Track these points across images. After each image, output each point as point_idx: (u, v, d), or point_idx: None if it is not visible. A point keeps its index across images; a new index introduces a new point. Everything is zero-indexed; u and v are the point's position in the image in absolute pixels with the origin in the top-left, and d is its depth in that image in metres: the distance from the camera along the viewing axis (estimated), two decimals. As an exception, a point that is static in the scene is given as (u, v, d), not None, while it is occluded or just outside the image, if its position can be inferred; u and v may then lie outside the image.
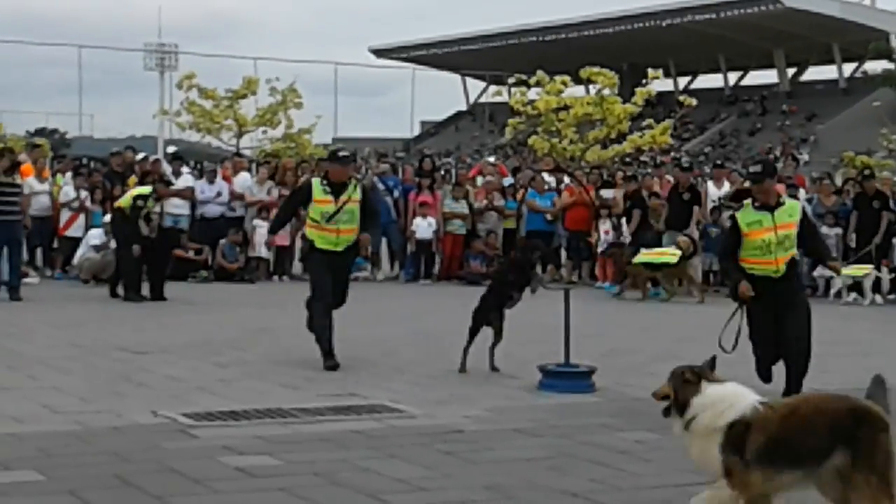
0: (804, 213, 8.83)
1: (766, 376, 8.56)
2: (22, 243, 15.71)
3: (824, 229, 17.42)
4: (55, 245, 18.69)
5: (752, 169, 8.80)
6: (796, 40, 66.42)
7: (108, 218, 17.17)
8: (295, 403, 7.97)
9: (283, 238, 19.12)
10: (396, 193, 20.06)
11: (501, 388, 8.97)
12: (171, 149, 30.53)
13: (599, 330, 12.39)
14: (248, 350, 10.69)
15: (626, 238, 18.73)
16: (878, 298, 17.57)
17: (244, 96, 34.27)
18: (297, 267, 19.79)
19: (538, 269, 10.59)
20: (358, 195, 9.89)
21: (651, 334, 12.90)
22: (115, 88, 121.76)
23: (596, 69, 27.67)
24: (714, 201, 19.03)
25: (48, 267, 18.65)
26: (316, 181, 10.03)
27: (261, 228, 19.04)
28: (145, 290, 15.25)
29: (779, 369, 8.57)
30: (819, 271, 17.55)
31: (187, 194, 18.89)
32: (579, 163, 26.67)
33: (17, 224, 15.05)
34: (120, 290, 15.35)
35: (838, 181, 23.60)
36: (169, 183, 16.70)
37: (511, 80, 29.56)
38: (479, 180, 21.26)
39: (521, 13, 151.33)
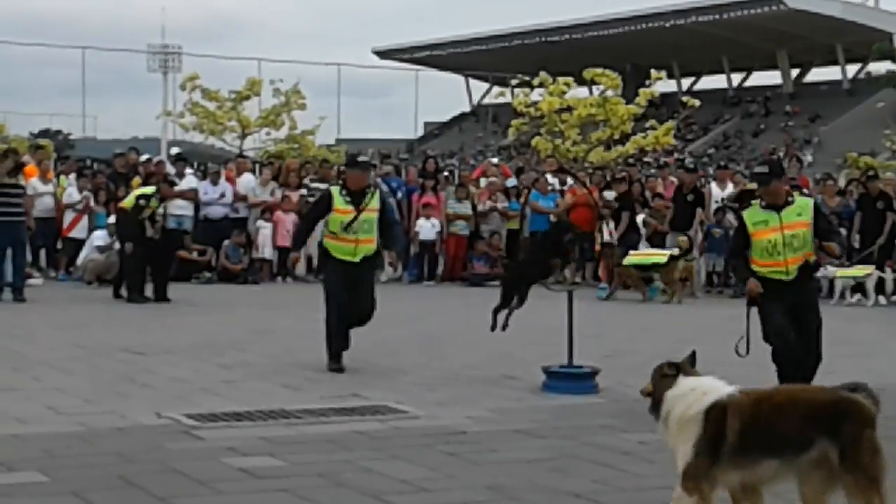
0: (817, 209, 8.38)
1: (791, 371, 8.05)
2: (26, 244, 15.73)
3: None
4: (59, 246, 18.71)
5: (758, 170, 8.58)
6: (799, 41, 66.36)
7: (112, 219, 17.20)
8: (298, 404, 7.98)
9: (286, 239, 19.15)
10: (400, 195, 20.05)
11: (504, 389, 8.97)
12: (174, 150, 30.48)
13: (600, 331, 12.39)
14: (252, 351, 10.70)
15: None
16: (882, 299, 17.56)
17: (247, 98, 34.31)
18: (300, 268, 19.80)
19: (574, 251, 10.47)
20: (376, 204, 9.65)
21: (652, 335, 12.90)
22: (118, 90, 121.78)
23: (599, 70, 27.68)
24: (717, 202, 19.02)
25: (52, 268, 18.67)
26: (335, 190, 9.77)
27: (264, 230, 19.08)
28: (149, 291, 15.27)
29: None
30: (822, 272, 17.53)
31: (191, 196, 18.91)
32: (583, 164, 26.67)
33: (21, 225, 15.08)
34: (123, 292, 15.37)
35: (842, 182, 23.59)
36: (173, 183, 16.72)
37: (514, 82, 29.57)
38: (483, 181, 21.26)
39: (525, 14, 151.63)
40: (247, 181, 20.16)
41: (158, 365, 9.68)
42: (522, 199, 20.12)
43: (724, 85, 74.95)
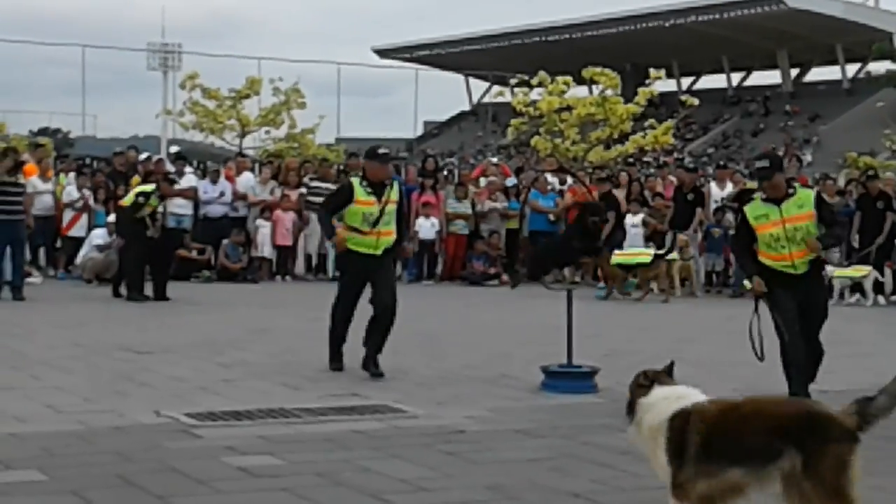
0: (819, 199, 8.24)
1: (798, 368, 8.02)
2: (25, 243, 15.74)
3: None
4: (58, 245, 18.72)
5: (759, 164, 8.34)
6: (799, 41, 66.35)
7: (111, 218, 17.22)
8: (297, 403, 7.98)
9: (285, 238, 19.18)
10: (399, 194, 20.04)
11: (503, 389, 8.98)
12: (174, 149, 30.53)
13: (599, 330, 12.39)
14: (251, 350, 10.70)
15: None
16: (881, 300, 17.57)
17: (247, 96, 34.35)
18: (299, 267, 19.83)
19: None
20: (396, 196, 9.42)
21: (651, 334, 12.90)
22: (118, 88, 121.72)
23: (598, 69, 27.68)
24: (717, 202, 19.03)
25: (51, 267, 18.68)
26: (356, 181, 9.45)
27: (263, 228, 19.09)
28: (148, 289, 15.27)
29: (779, 371, 8.52)
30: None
31: (190, 194, 18.91)
32: (582, 163, 26.68)
33: (21, 224, 15.08)
34: (123, 290, 15.37)
35: (841, 182, 23.60)
36: (173, 182, 16.71)
37: (513, 81, 29.58)
38: (483, 181, 21.27)
39: (525, 13, 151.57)
40: (246, 180, 20.17)
41: (157, 364, 9.68)
42: (522, 199, 20.16)
43: (723, 84, 74.94)
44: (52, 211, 18.21)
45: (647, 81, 28.07)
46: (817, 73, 72.28)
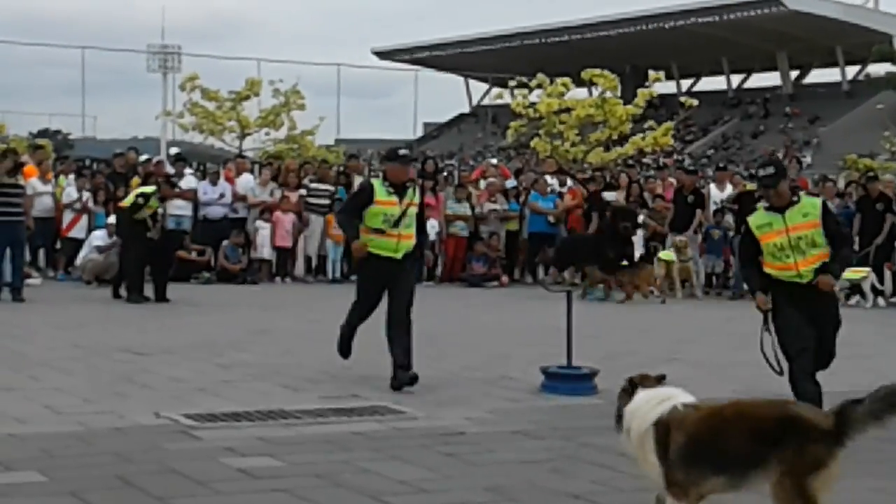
0: (825, 209, 7.88)
1: (808, 385, 7.53)
2: (24, 244, 15.73)
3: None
4: (58, 246, 18.70)
5: (763, 172, 7.81)
6: (799, 43, 66.39)
7: (111, 219, 17.21)
8: (297, 405, 7.98)
9: (285, 239, 19.17)
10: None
11: (503, 390, 8.98)
12: (173, 150, 30.51)
13: (598, 332, 12.39)
14: (251, 351, 10.70)
15: None
16: (881, 301, 17.57)
17: (247, 98, 34.33)
18: (299, 268, 19.82)
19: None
20: (417, 198, 9.30)
21: (650, 336, 12.90)
22: (118, 90, 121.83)
23: (598, 71, 27.68)
24: (716, 204, 19.03)
25: (51, 268, 18.67)
26: (377, 181, 9.30)
27: (263, 230, 19.08)
28: (148, 291, 15.27)
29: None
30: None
31: (190, 196, 18.90)
32: (581, 165, 26.67)
33: (20, 225, 15.07)
34: (122, 292, 15.37)
35: (841, 184, 23.61)
36: (174, 185, 16.69)
37: (513, 83, 29.58)
38: (482, 183, 21.26)
39: (524, 15, 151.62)
40: (246, 181, 20.16)
41: (157, 365, 9.68)
42: (522, 200, 20.16)
43: (723, 86, 75.00)
44: (51, 212, 18.19)
45: (646, 83, 28.08)
46: (817, 75, 72.39)
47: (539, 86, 27.85)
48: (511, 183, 21.27)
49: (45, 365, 9.53)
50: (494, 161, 26.17)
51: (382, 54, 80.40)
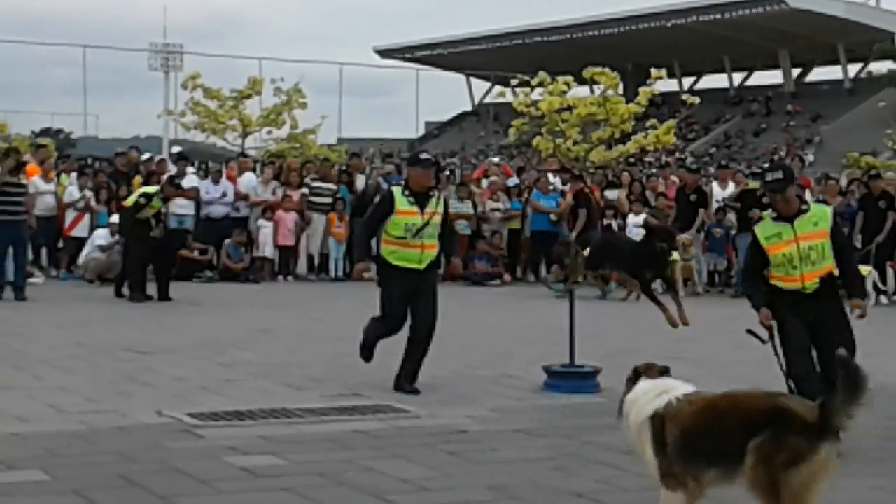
0: (835, 222, 7.50)
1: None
2: (27, 243, 15.74)
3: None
4: (60, 245, 18.71)
5: (771, 177, 7.42)
6: (801, 41, 66.33)
7: (114, 218, 17.23)
8: (299, 403, 7.98)
9: (287, 238, 19.18)
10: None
11: (505, 389, 8.98)
12: (175, 149, 30.53)
13: (600, 330, 12.39)
14: (253, 350, 10.70)
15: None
16: (884, 299, 17.56)
17: (249, 96, 34.21)
18: (301, 267, 19.83)
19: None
20: (441, 207, 8.96)
21: (652, 334, 12.88)
22: (119, 89, 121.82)
23: (599, 69, 27.65)
24: (718, 202, 19.03)
25: (53, 267, 18.67)
26: (397, 190, 8.96)
27: (265, 229, 19.09)
28: (151, 290, 15.27)
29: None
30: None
31: (192, 195, 18.91)
32: (583, 163, 26.65)
33: (23, 224, 15.08)
34: (125, 290, 15.38)
35: (843, 182, 23.58)
36: (179, 186, 16.66)
37: (514, 82, 29.56)
38: (484, 182, 21.26)
39: (526, 13, 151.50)
40: (248, 180, 20.16)
41: (160, 364, 9.68)
42: (524, 199, 20.15)
43: (725, 84, 74.93)
44: (54, 211, 18.20)
45: (648, 81, 27.93)
46: (819, 73, 72.31)
47: (541, 84, 27.76)
48: (513, 181, 21.27)
49: (48, 364, 9.54)
50: (496, 159, 26.08)
51: (384, 53, 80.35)
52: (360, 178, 20.70)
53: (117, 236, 16.61)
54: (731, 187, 19.30)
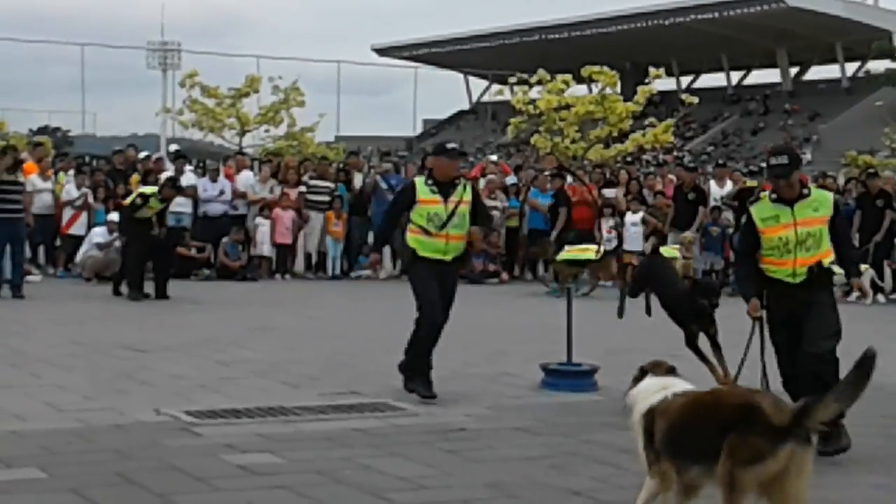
0: (836, 208, 7.23)
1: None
2: (24, 241, 15.73)
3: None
4: (58, 243, 18.70)
5: (776, 161, 7.05)
6: (799, 40, 66.37)
7: (111, 216, 17.22)
8: (297, 402, 7.98)
9: (284, 236, 19.17)
10: (399, 192, 20.01)
11: (503, 387, 8.98)
12: (173, 147, 30.47)
13: (598, 329, 12.37)
14: (251, 348, 10.70)
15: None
16: (881, 298, 17.57)
17: (247, 94, 34.28)
18: (299, 265, 19.82)
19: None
20: (469, 195, 8.67)
21: (650, 333, 12.86)
22: (117, 87, 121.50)
23: (597, 68, 27.66)
24: (716, 200, 19.04)
25: (51, 265, 18.67)
26: (419, 180, 8.76)
27: (263, 227, 19.09)
28: (149, 288, 15.27)
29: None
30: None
31: (190, 193, 18.90)
32: (581, 161, 26.67)
33: (20, 222, 15.08)
34: (123, 288, 15.37)
35: (841, 181, 23.62)
36: (179, 188, 16.61)
37: (513, 80, 29.58)
38: (482, 180, 21.25)
39: (524, 12, 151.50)
40: (246, 178, 20.16)
41: (157, 362, 9.68)
42: (521, 197, 20.13)
43: (723, 83, 74.97)
44: (51, 209, 18.20)
45: (646, 80, 28.05)
46: (817, 72, 72.36)
47: (539, 82, 27.84)
48: (511, 179, 21.27)
49: (46, 362, 9.53)
50: (494, 158, 26.12)
51: (382, 51, 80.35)
52: (358, 177, 20.70)
53: (115, 234, 16.61)
54: (729, 186, 19.33)
